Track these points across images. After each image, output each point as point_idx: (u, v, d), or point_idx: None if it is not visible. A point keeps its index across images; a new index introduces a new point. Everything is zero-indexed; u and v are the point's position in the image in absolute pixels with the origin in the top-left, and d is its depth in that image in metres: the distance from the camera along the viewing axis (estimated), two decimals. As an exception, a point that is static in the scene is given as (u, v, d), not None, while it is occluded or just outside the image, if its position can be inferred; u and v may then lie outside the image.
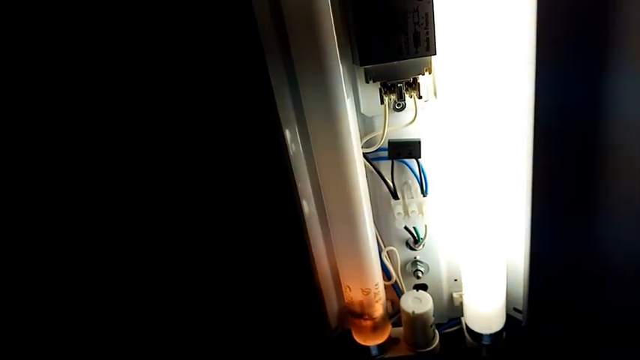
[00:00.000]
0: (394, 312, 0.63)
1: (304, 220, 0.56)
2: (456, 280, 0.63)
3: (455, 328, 0.64)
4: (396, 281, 0.61)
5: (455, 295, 0.63)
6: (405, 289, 0.61)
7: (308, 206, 0.56)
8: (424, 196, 0.55)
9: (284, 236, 0.60)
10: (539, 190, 0.51)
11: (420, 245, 0.59)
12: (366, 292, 0.55)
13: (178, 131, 0.56)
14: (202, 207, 0.60)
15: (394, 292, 0.62)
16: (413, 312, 0.56)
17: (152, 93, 0.53)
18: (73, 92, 0.53)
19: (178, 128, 0.56)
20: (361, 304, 0.56)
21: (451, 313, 0.65)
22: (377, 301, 0.56)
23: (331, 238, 0.54)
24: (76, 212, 0.59)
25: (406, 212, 0.55)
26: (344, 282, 0.56)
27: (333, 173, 0.49)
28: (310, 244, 0.57)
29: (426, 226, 0.57)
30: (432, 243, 0.60)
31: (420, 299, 0.57)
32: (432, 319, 0.58)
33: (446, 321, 0.65)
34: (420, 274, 0.61)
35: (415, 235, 0.58)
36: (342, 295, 0.59)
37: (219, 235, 0.62)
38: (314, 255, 0.58)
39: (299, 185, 0.54)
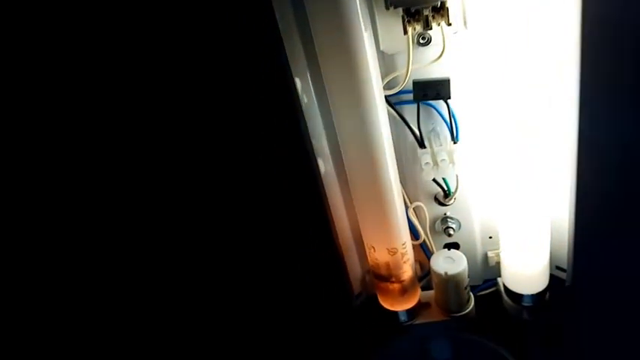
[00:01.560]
0: (423, 275, 0.58)
1: (321, 179, 0.51)
2: (490, 237, 0.57)
3: (490, 290, 0.60)
4: (424, 240, 0.56)
5: (490, 254, 0.58)
6: (434, 249, 0.56)
7: (324, 164, 0.51)
8: (455, 142, 0.49)
9: (299, 197, 0.55)
10: (586, 132, 0.45)
11: (450, 199, 0.54)
12: (393, 252, 0.50)
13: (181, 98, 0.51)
14: (210, 172, 0.56)
15: (422, 252, 0.57)
16: (445, 273, 0.51)
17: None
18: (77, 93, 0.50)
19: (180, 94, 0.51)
20: (387, 265, 0.51)
21: (486, 274, 0.60)
22: (405, 262, 0.51)
23: (352, 196, 0.50)
24: (80, 213, 0.57)
25: (435, 162, 0.49)
26: (367, 242, 0.52)
27: (351, 121, 0.43)
28: (328, 205, 0.53)
29: (457, 176, 0.52)
30: (463, 197, 0.54)
31: (452, 259, 0.53)
32: (466, 280, 0.53)
33: (480, 282, 0.60)
34: (451, 232, 0.56)
35: (445, 187, 0.53)
36: (366, 258, 0.54)
37: (230, 203, 0.58)
38: (333, 216, 0.53)
39: (313, 142, 0.49)
